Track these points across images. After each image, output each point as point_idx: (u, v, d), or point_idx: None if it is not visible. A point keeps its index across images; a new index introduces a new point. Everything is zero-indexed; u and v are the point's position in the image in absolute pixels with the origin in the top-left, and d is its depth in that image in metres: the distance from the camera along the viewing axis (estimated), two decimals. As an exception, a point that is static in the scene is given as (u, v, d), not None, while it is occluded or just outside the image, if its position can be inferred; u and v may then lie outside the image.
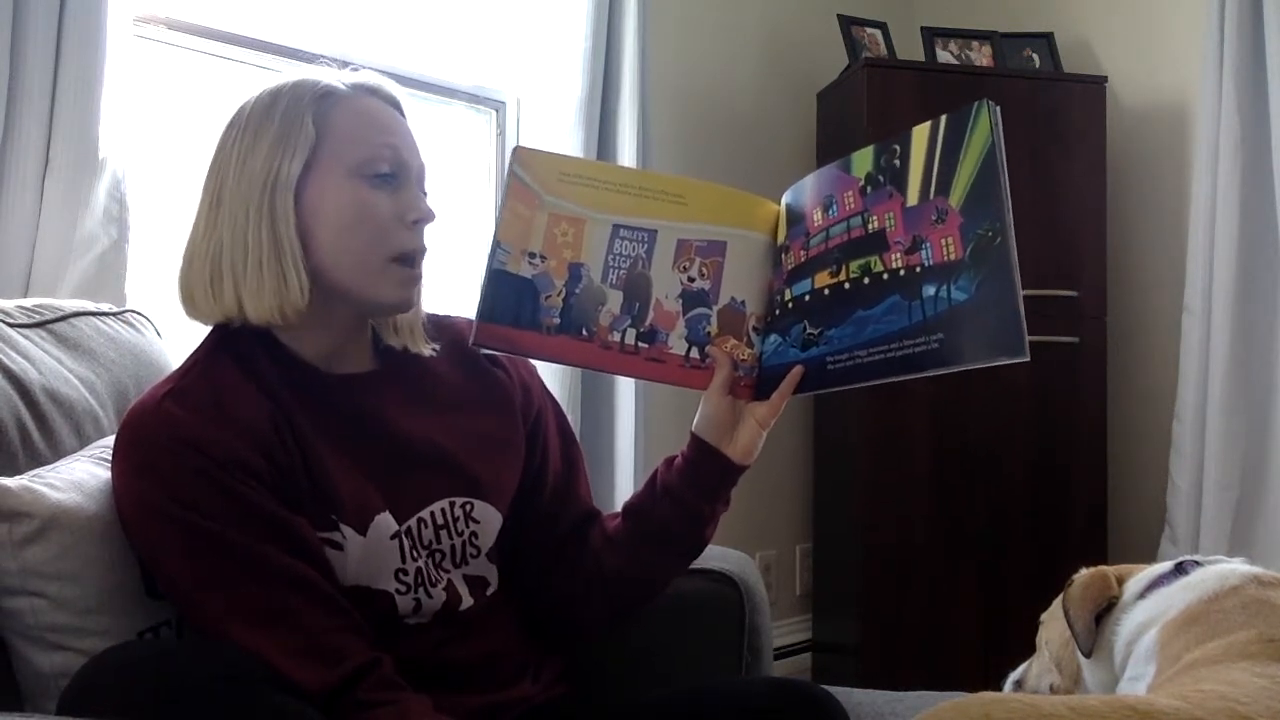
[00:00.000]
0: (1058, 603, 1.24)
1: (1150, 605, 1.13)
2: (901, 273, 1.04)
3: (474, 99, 2.51)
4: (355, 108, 1.10)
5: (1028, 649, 1.29)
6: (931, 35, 2.93)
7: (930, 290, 1.02)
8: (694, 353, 1.13)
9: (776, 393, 1.13)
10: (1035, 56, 2.95)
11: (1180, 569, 1.15)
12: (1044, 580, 1.38)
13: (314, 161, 1.07)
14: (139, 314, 1.47)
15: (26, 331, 1.26)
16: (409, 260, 1.11)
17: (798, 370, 1.11)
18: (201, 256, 1.08)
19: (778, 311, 1.14)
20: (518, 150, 1.13)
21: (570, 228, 1.11)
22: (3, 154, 1.53)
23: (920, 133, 1.05)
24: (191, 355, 1.11)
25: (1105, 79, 2.89)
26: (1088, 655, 1.16)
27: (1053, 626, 1.25)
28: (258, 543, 1.00)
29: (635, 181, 1.15)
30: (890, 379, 1.05)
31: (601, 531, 1.26)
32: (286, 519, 1.03)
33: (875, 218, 1.07)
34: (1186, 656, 1.00)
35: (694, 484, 1.19)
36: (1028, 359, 0.95)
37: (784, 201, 1.17)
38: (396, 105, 1.15)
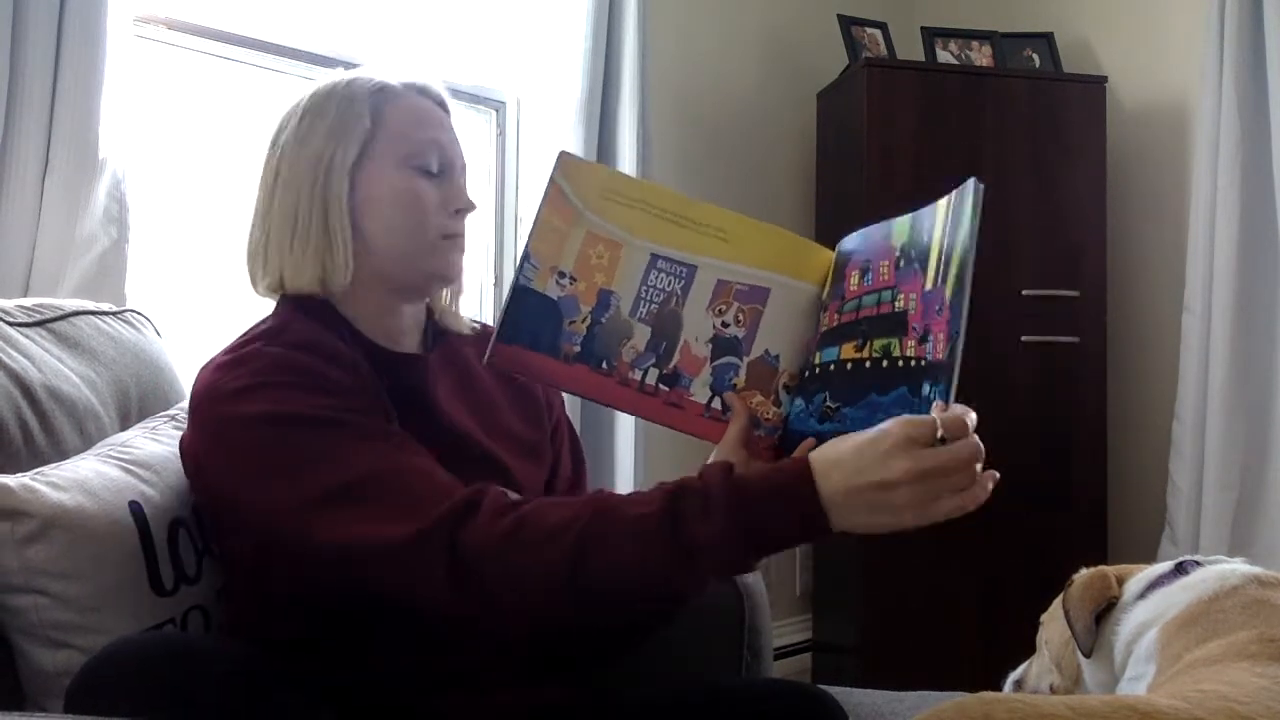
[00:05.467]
0: (1058, 603, 1.24)
1: (1150, 605, 1.13)
2: (913, 363, 0.97)
3: (474, 99, 2.51)
4: (408, 104, 1.16)
5: (1028, 649, 1.29)
6: (931, 35, 2.93)
7: (927, 389, 0.95)
8: (716, 403, 1.07)
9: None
10: (1035, 56, 2.95)
11: (1180, 569, 1.15)
12: (1044, 580, 1.38)
13: (368, 151, 1.13)
14: (139, 313, 1.48)
15: (27, 330, 1.27)
16: (454, 238, 1.17)
17: (809, 443, 1.02)
18: (259, 232, 1.15)
19: (808, 374, 1.08)
20: (563, 157, 1.08)
21: (606, 250, 1.05)
22: (3, 154, 1.53)
23: (941, 208, 0.98)
24: (264, 320, 1.15)
25: (1105, 79, 2.88)
26: (1088, 655, 1.16)
27: (1053, 626, 1.25)
28: (366, 417, 1.01)
29: (682, 210, 1.07)
30: None
31: None
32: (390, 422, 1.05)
33: (902, 296, 1.00)
34: (1186, 656, 1.00)
35: None
36: None
37: (838, 249, 1.10)
38: (444, 106, 1.21)
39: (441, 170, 1.16)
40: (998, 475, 0.90)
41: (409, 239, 1.14)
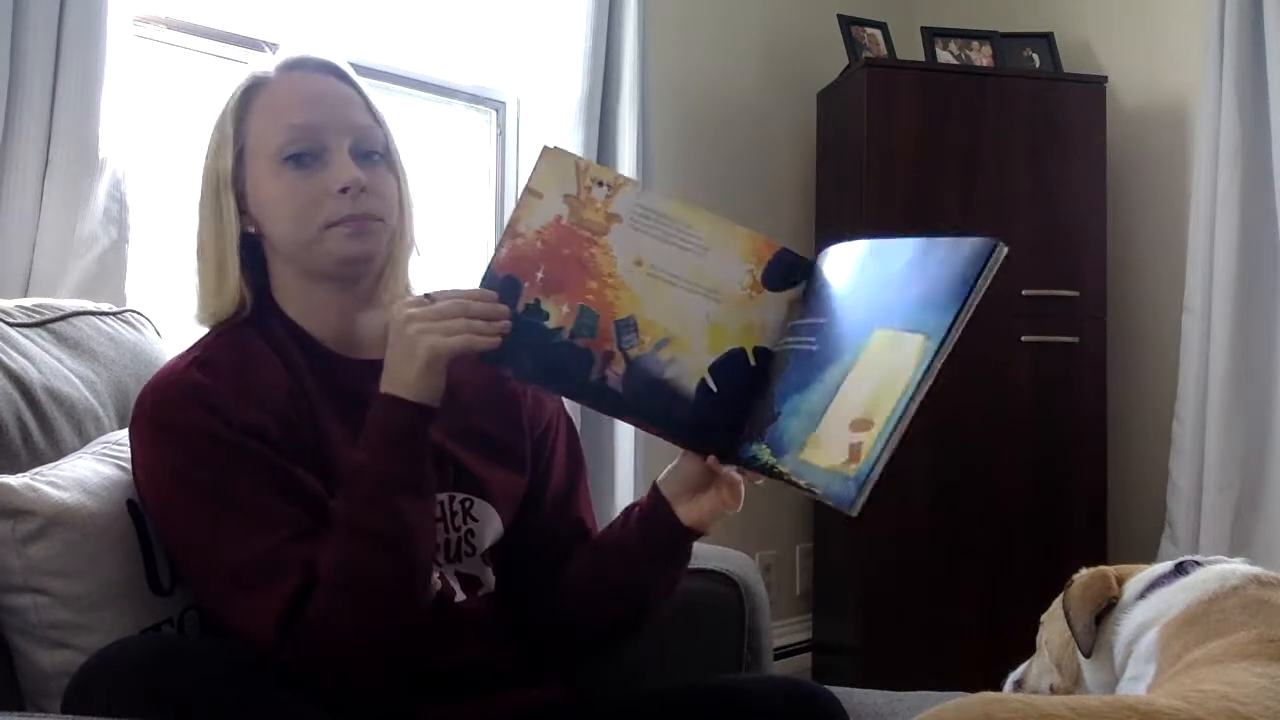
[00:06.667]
0: (1058, 603, 1.24)
1: (1150, 605, 1.13)
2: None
3: (474, 99, 2.51)
4: (271, 94, 1.12)
5: (1028, 649, 1.29)
6: (931, 35, 2.93)
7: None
8: None
9: (729, 477, 1.08)
10: (1035, 56, 2.95)
11: (1180, 569, 1.15)
12: (1044, 580, 1.38)
13: (243, 157, 1.11)
14: (139, 314, 1.48)
15: (27, 331, 1.27)
16: (343, 222, 1.09)
17: (713, 459, 1.06)
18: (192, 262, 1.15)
19: None
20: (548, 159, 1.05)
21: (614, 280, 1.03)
22: (3, 154, 1.53)
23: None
24: (217, 327, 1.14)
25: (1105, 79, 2.88)
26: (1088, 655, 1.16)
27: (1053, 626, 1.25)
28: (261, 494, 1.02)
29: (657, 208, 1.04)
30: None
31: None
32: (293, 473, 1.05)
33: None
34: (1186, 656, 1.00)
35: (641, 538, 1.15)
36: None
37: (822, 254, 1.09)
38: (330, 70, 1.14)
39: (313, 153, 1.09)
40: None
41: (294, 240, 1.10)
